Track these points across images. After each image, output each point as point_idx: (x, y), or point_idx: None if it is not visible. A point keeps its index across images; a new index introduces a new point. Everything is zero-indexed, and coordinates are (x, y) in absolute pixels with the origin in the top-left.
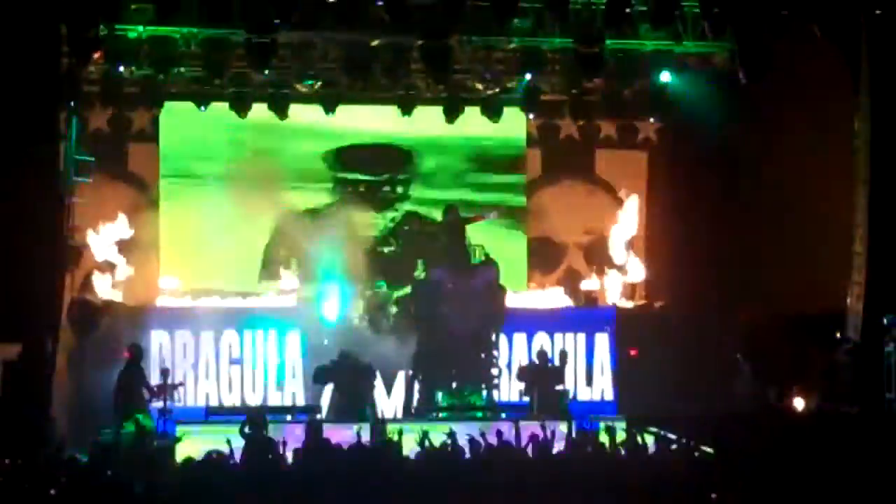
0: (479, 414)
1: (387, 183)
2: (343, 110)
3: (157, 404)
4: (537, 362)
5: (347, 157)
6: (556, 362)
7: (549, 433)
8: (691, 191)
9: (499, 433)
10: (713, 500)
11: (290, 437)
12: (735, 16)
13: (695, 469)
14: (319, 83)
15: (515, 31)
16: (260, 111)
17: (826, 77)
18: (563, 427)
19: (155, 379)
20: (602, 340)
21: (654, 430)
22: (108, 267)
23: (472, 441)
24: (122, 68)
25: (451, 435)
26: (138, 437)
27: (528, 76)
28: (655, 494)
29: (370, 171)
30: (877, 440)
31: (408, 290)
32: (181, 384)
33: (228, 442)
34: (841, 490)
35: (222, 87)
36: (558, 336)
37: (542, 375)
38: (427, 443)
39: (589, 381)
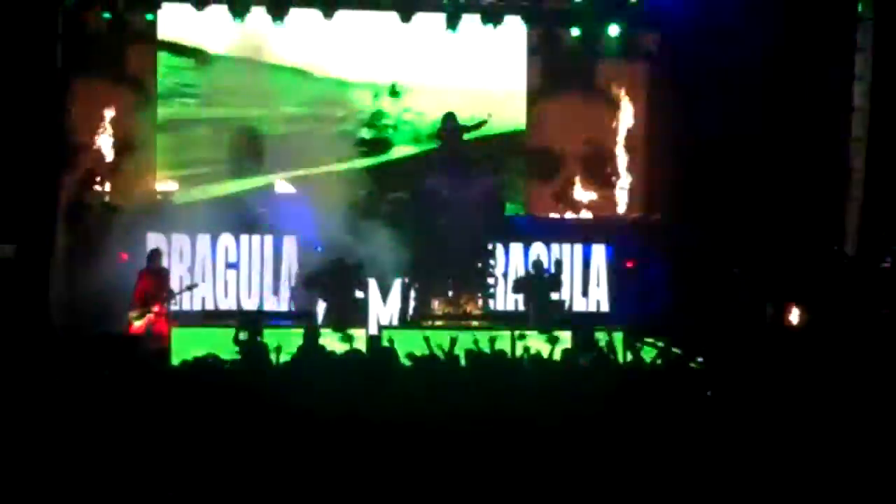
0: (475, 323)
1: None
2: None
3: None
4: (533, 272)
5: None
6: (553, 271)
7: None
8: (691, 103)
9: (492, 340)
10: (706, 407)
11: (286, 344)
12: None
13: (690, 379)
14: None
15: None
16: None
17: None
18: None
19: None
20: (599, 251)
21: (650, 340)
22: (106, 169)
23: (469, 351)
24: None
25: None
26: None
27: None
28: (651, 403)
29: None
30: (870, 354)
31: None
32: (195, 285)
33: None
34: (836, 401)
35: None
36: (555, 246)
37: (538, 285)
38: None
39: (585, 292)
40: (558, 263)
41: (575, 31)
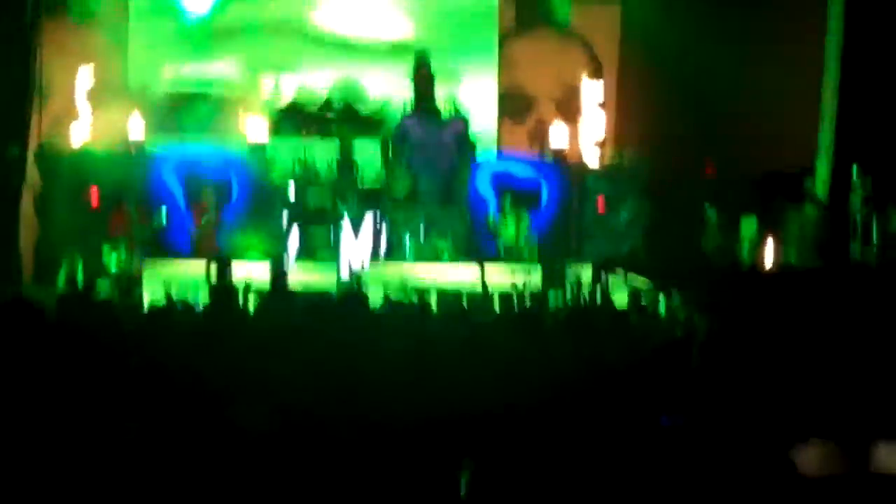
0: (446, 257)
1: None
2: None
3: None
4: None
5: None
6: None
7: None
8: (664, 43)
9: None
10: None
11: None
12: None
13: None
14: None
15: None
16: None
17: None
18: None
19: None
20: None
21: (620, 273)
22: (77, 112)
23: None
24: None
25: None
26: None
27: None
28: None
29: None
30: (840, 295)
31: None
32: None
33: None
34: (805, 341)
35: None
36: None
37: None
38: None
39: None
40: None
41: None
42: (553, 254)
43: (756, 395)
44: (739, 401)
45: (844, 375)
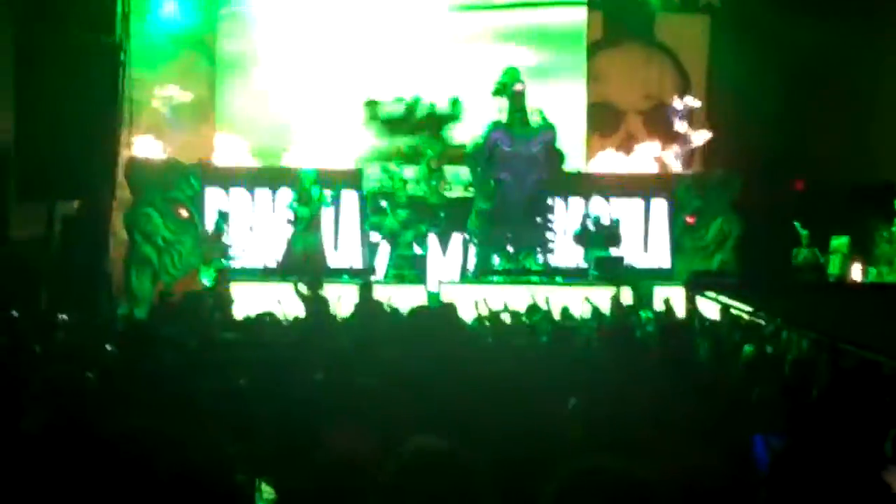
0: (535, 278)
1: None
2: None
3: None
4: (593, 227)
5: None
6: (613, 227)
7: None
8: (753, 58)
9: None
10: (768, 365)
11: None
12: None
13: (752, 335)
14: None
15: None
16: None
17: None
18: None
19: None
20: (659, 206)
21: (711, 295)
22: (166, 126)
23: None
24: None
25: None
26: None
27: None
28: (713, 359)
29: None
30: None
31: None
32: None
33: (279, 303)
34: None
35: None
36: (615, 201)
37: (597, 240)
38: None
39: (645, 248)
40: (617, 220)
41: None
42: (642, 272)
43: (851, 415)
44: (836, 422)
45: None
